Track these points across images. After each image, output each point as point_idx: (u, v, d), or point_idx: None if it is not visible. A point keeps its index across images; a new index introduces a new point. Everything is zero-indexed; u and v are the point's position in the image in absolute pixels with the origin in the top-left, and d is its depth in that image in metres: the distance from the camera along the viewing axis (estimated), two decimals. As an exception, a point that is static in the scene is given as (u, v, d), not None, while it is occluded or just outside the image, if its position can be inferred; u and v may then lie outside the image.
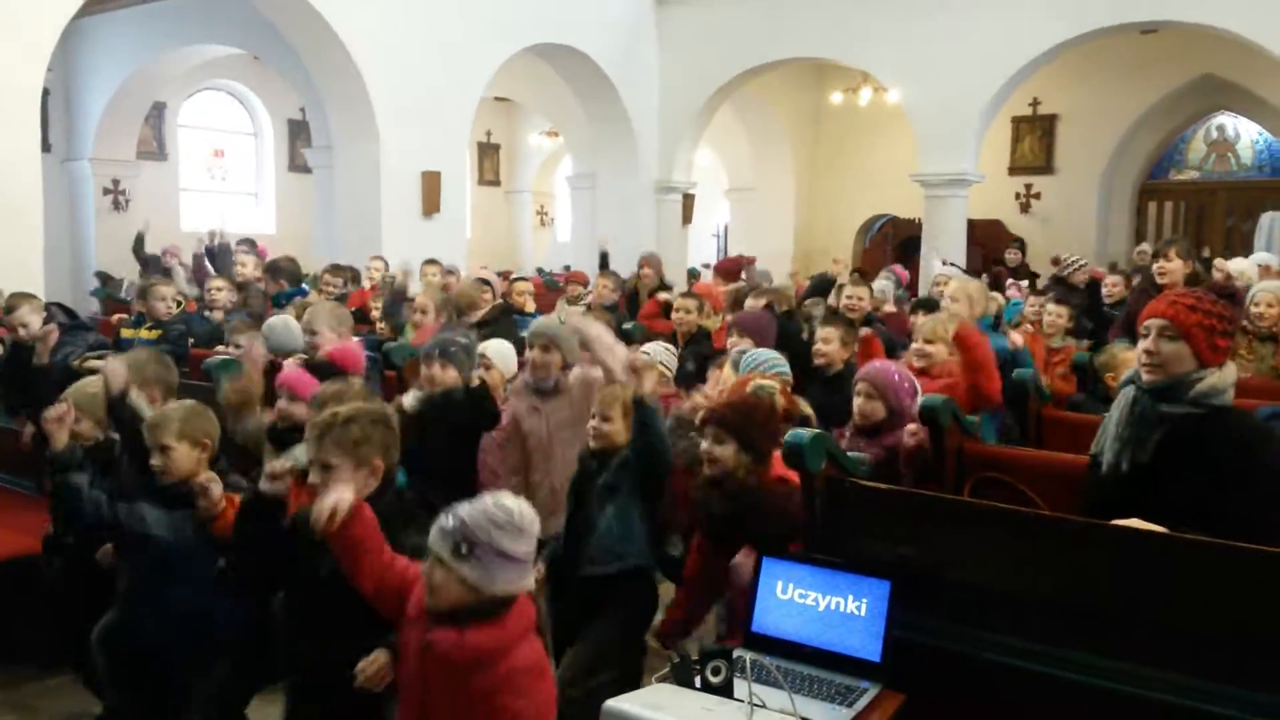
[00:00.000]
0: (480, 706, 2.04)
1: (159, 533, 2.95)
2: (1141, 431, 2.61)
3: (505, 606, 2.09)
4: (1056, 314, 5.96)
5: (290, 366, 3.86)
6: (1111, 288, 7.08)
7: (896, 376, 3.51)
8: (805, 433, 2.65)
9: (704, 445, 2.93)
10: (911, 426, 3.31)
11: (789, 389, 3.52)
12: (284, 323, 4.62)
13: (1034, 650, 2.31)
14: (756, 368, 3.74)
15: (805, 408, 3.39)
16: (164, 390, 3.60)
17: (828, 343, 4.36)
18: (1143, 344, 2.61)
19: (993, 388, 3.82)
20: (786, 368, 3.80)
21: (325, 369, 3.77)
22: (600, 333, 3.24)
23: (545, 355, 3.87)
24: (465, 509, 2.11)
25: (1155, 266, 5.54)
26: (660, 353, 4.61)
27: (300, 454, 2.78)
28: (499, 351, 4.38)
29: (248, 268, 6.46)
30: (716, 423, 2.93)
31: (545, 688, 2.13)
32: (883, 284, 7.39)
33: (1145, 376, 2.61)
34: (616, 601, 3.07)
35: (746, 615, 2.58)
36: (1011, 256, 11.92)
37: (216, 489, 2.88)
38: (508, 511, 2.10)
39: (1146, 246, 10.02)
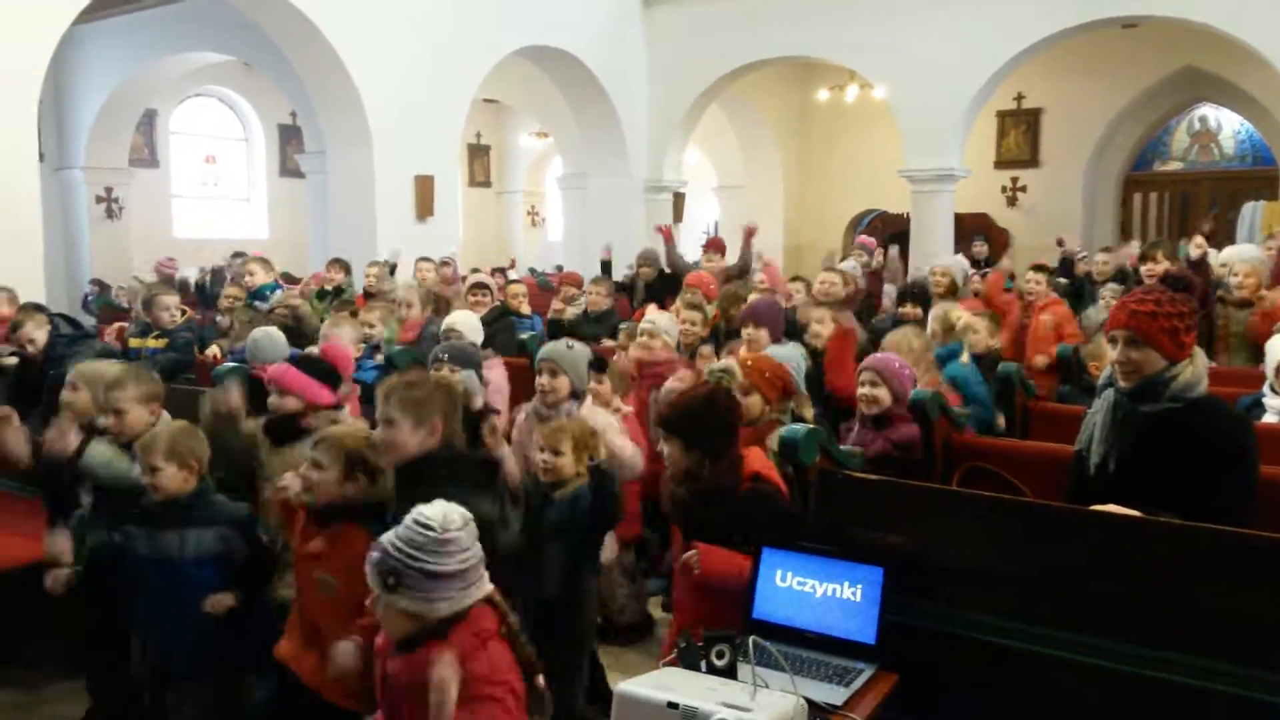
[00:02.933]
0: None
1: (144, 552, 3.03)
2: (1125, 433, 2.74)
3: (455, 622, 2.07)
4: (1035, 279, 6.65)
5: (279, 363, 3.88)
6: (1102, 266, 7.29)
7: (898, 364, 3.62)
8: (800, 428, 2.77)
9: (665, 447, 2.94)
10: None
11: (794, 389, 3.60)
12: (267, 335, 4.61)
13: (1020, 630, 2.43)
14: None
15: (807, 409, 3.49)
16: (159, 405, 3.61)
17: (820, 323, 4.48)
18: (1113, 353, 2.74)
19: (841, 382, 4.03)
20: (795, 366, 3.83)
21: (313, 364, 3.76)
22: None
23: (553, 380, 3.88)
24: (388, 538, 2.07)
25: (1143, 269, 5.68)
26: (664, 321, 4.76)
27: (305, 451, 2.91)
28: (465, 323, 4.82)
29: (256, 277, 6.52)
30: (659, 423, 2.96)
31: (509, 691, 2.11)
32: (851, 264, 7.61)
33: (1122, 383, 2.74)
34: (559, 635, 3.15)
35: (747, 602, 2.69)
36: (977, 249, 11.58)
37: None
38: (426, 529, 2.04)
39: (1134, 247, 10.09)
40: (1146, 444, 2.73)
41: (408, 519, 2.08)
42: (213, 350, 5.70)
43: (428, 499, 2.16)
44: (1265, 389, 4.19)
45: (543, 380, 3.91)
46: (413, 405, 2.67)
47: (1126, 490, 2.68)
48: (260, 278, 6.52)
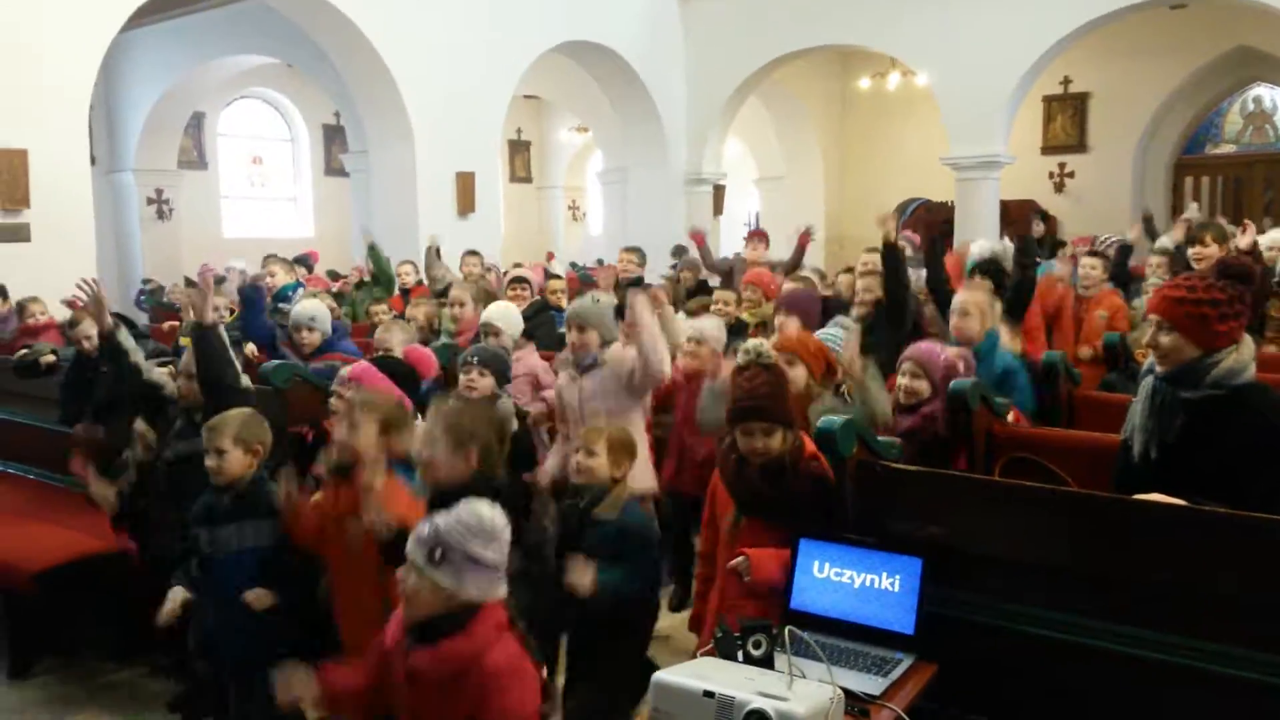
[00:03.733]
0: (470, 712, 2.12)
1: (205, 551, 3.11)
2: (1165, 419, 2.69)
3: (473, 613, 2.16)
4: (1090, 265, 6.16)
5: (361, 362, 3.96)
6: (1157, 268, 7.05)
7: (940, 356, 3.60)
8: (836, 419, 2.75)
9: (748, 440, 2.80)
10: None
11: (836, 364, 3.58)
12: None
13: (1059, 620, 2.40)
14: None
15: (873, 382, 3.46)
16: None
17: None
18: (1148, 337, 2.72)
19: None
20: (836, 344, 3.79)
21: (396, 366, 3.84)
22: (649, 322, 3.59)
23: (582, 335, 3.97)
24: (440, 516, 2.19)
25: (1191, 251, 5.54)
26: (711, 328, 4.76)
27: None
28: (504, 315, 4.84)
29: (277, 278, 6.60)
30: (759, 416, 2.79)
31: (527, 682, 2.18)
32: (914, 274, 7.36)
33: (1158, 367, 2.72)
34: (606, 654, 3.12)
35: (785, 593, 2.69)
36: (1036, 228, 11.39)
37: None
38: (479, 518, 2.18)
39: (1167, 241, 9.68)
40: (1188, 431, 2.69)
41: (461, 506, 2.20)
42: (250, 348, 5.74)
43: None
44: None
45: (572, 336, 4.00)
46: (454, 431, 2.70)
47: (1169, 478, 2.63)
48: (281, 279, 6.59)
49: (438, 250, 8.16)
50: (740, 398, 2.83)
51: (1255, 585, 2.22)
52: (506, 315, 4.91)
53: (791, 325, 4.47)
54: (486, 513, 2.19)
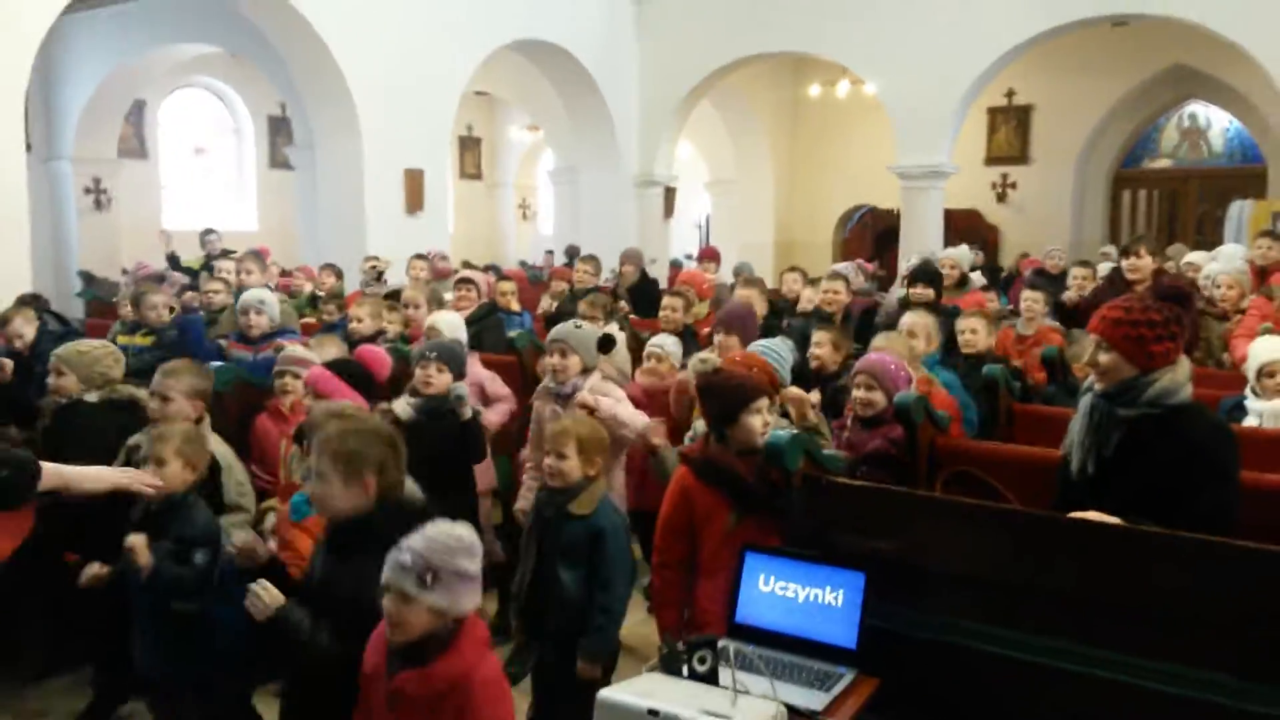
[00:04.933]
0: None
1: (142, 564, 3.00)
2: (1102, 436, 2.77)
3: (458, 629, 2.18)
4: (1033, 299, 6.05)
5: (317, 366, 3.93)
6: (1083, 281, 7.16)
7: (893, 366, 3.62)
8: (783, 433, 2.78)
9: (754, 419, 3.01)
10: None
11: (780, 382, 3.61)
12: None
13: (1001, 636, 2.45)
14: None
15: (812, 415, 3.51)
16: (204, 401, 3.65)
17: (820, 346, 4.44)
18: (1087, 356, 2.80)
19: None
20: (780, 358, 3.84)
21: (351, 368, 3.83)
22: (615, 411, 3.80)
23: (564, 360, 3.98)
24: (416, 541, 2.18)
25: (1125, 263, 5.69)
26: (671, 344, 4.79)
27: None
28: (449, 324, 4.75)
29: (253, 276, 6.49)
30: (764, 393, 3.04)
31: (508, 695, 2.25)
32: (847, 266, 7.39)
33: (1097, 385, 2.80)
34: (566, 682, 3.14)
35: (730, 607, 2.71)
36: (974, 258, 11.25)
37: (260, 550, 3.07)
38: (458, 536, 2.21)
39: (1111, 249, 10.03)
40: (1124, 447, 2.76)
41: (430, 528, 2.21)
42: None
43: (363, 568, 2.27)
44: (1247, 391, 4.22)
45: (554, 360, 4.01)
46: (344, 459, 2.45)
47: (1106, 493, 2.71)
48: (256, 278, 6.48)
49: (380, 274, 8.12)
50: (733, 384, 3.04)
51: (1190, 603, 2.28)
52: (450, 322, 4.88)
53: (733, 345, 4.49)
54: (460, 530, 2.23)
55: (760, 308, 6.13)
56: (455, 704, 2.14)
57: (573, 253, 9.45)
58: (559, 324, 4.27)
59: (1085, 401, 2.88)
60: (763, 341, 3.89)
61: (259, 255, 7.15)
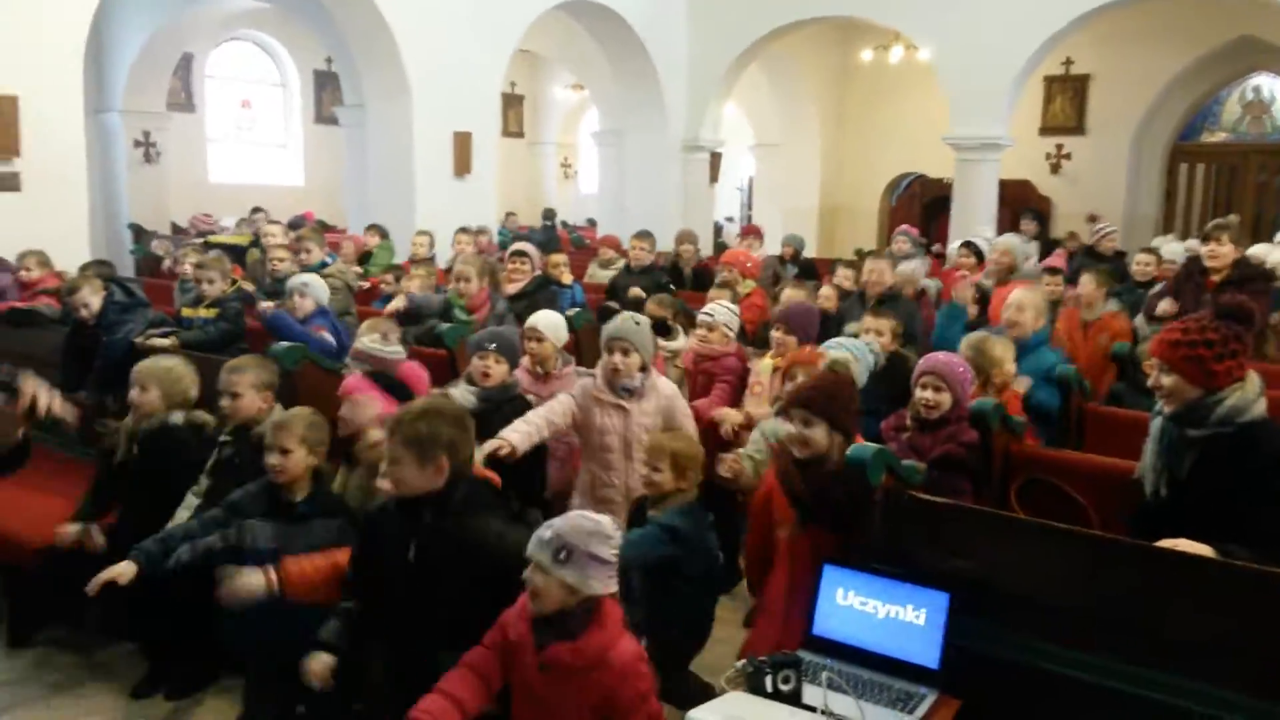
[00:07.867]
0: (610, 700, 2.28)
1: (266, 546, 3.05)
2: (1174, 458, 2.75)
3: (599, 608, 2.33)
4: (1086, 282, 5.76)
5: (355, 376, 3.96)
6: (1143, 267, 7.03)
7: (961, 368, 3.58)
8: (866, 447, 2.76)
9: (793, 429, 2.92)
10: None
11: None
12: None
13: (1085, 661, 2.43)
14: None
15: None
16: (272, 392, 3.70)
17: (880, 335, 4.39)
18: (1152, 379, 2.80)
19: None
20: (864, 362, 3.84)
21: (388, 381, 3.87)
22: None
23: (625, 359, 3.83)
24: (559, 521, 2.37)
25: (1205, 250, 5.54)
26: (722, 313, 4.73)
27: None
28: (550, 323, 4.39)
29: (313, 254, 6.50)
30: (804, 405, 2.91)
31: (649, 673, 2.37)
32: (914, 265, 7.16)
33: (1164, 408, 2.80)
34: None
35: (807, 618, 2.71)
36: (1026, 227, 11.05)
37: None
38: (596, 522, 2.39)
39: (1176, 243, 8.90)
40: (1198, 469, 2.74)
41: (573, 514, 2.43)
42: (266, 304, 5.66)
43: (457, 540, 2.51)
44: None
45: (614, 359, 3.83)
46: (416, 443, 2.55)
47: (1182, 515, 2.67)
48: (316, 255, 6.49)
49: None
50: (803, 388, 3.05)
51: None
52: (553, 324, 4.46)
53: (790, 343, 4.45)
54: (599, 517, 2.42)
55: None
56: (602, 676, 2.29)
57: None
58: (614, 318, 3.99)
59: (1156, 425, 2.88)
60: (849, 340, 3.89)
61: (318, 232, 7.15)
